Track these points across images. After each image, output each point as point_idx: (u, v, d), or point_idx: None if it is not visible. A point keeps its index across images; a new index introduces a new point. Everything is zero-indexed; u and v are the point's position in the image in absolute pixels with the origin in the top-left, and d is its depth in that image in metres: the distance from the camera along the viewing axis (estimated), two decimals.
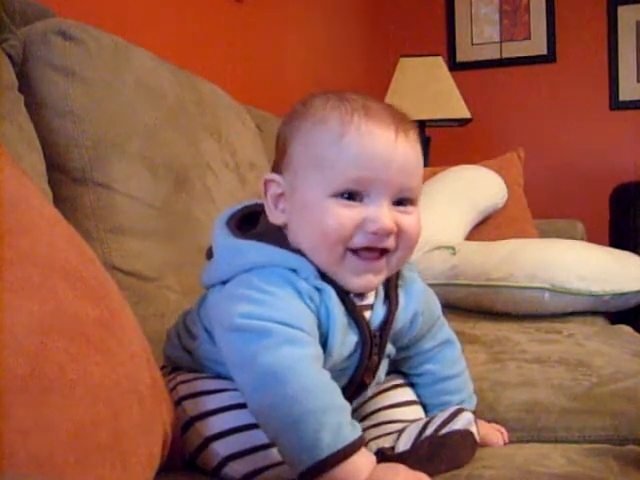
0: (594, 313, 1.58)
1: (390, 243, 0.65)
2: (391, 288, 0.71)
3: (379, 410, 0.75)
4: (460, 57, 3.33)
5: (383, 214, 0.64)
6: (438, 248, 1.70)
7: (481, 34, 3.32)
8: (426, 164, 2.65)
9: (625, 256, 1.62)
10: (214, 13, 1.84)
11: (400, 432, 0.68)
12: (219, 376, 0.70)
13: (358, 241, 0.64)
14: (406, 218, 0.66)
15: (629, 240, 2.47)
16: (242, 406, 0.65)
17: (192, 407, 0.67)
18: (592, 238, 2.11)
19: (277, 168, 0.70)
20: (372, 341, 0.68)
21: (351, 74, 2.80)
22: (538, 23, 3.23)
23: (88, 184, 0.92)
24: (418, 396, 0.78)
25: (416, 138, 0.67)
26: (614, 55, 3.16)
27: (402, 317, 0.71)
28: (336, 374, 0.65)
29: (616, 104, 3.17)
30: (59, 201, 0.88)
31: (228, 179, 1.24)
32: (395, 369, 0.79)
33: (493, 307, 1.54)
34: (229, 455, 0.64)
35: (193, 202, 1.09)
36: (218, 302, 0.67)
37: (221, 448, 0.64)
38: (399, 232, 0.65)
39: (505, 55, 3.28)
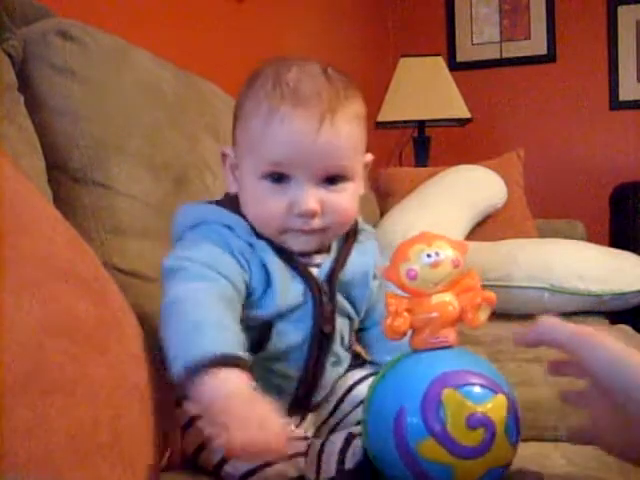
0: (594, 313, 1.58)
1: (317, 224, 0.69)
2: (341, 249, 0.75)
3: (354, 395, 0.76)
4: (460, 57, 3.33)
5: (305, 197, 0.68)
6: None
7: (481, 34, 3.32)
8: (426, 164, 2.65)
9: (625, 256, 1.62)
10: (214, 13, 1.84)
11: None
12: None
13: (288, 224, 0.69)
14: (333, 196, 0.69)
15: (629, 240, 2.47)
16: None
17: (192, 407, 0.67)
18: (592, 238, 2.11)
19: (233, 140, 0.75)
20: (320, 290, 0.71)
21: (351, 74, 2.80)
22: (538, 23, 3.23)
23: (88, 184, 0.92)
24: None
25: (349, 117, 0.69)
26: (614, 55, 3.16)
27: (351, 269, 0.74)
28: (295, 325, 0.70)
29: (616, 104, 3.17)
30: (59, 201, 0.88)
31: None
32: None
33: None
34: None
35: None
36: None
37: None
38: (326, 209, 0.69)
39: (505, 55, 3.28)
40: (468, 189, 2.05)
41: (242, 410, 0.52)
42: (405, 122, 2.69)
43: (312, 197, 0.68)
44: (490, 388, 0.57)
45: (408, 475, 0.56)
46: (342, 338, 0.75)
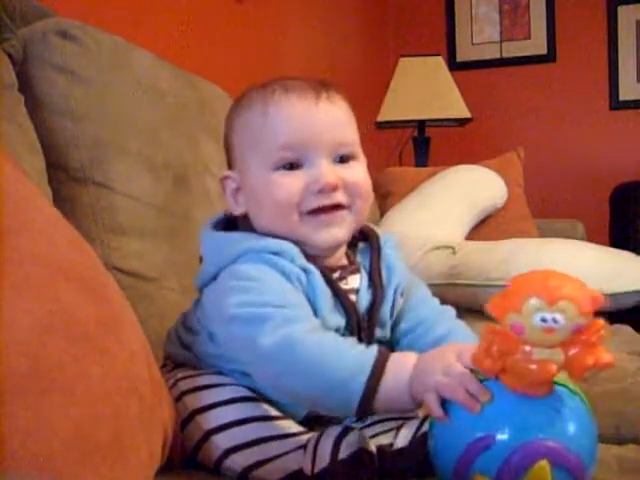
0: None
1: (340, 198, 0.68)
2: (374, 271, 0.73)
3: None
4: (460, 57, 3.32)
5: (324, 171, 0.67)
6: (438, 248, 1.70)
7: (481, 34, 3.31)
8: (426, 164, 2.65)
9: (625, 256, 1.62)
10: (214, 13, 1.84)
11: (398, 428, 0.68)
12: (219, 372, 0.70)
13: (309, 204, 0.67)
14: (349, 171, 0.69)
15: (629, 240, 2.47)
16: (242, 400, 0.66)
17: (193, 401, 0.68)
18: (592, 238, 2.11)
19: (229, 165, 0.74)
20: (359, 325, 0.70)
21: (351, 74, 2.80)
22: (538, 23, 3.23)
23: (88, 184, 0.92)
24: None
25: (342, 101, 0.71)
26: (614, 55, 3.16)
27: (387, 302, 0.73)
28: None
29: (616, 104, 3.16)
30: (59, 201, 0.88)
31: None
32: None
33: None
34: (230, 448, 0.64)
35: (192, 202, 1.09)
36: (212, 298, 0.69)
37: (222, 441, 0.65)
38: (346, 185, 0.68)
39: (505, 55, 3.28)
40: (468, 189, 2.05)
41: (429, 367, 0.57)
42: (405, 122, 2.69)
43: (330, 171, 0.67)
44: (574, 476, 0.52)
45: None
46: None
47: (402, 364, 0.59)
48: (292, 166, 0.67)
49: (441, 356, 0.57)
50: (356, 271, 0.73)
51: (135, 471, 0.49)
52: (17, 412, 0.41)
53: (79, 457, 0.43)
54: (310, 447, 0.63)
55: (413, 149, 2.74)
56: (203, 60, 1.66)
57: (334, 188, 0.67)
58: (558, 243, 1.69)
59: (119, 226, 0.94)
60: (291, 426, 0.67)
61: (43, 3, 1.01)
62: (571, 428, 0.53)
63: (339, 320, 0.69)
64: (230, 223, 0.75)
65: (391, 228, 1.82)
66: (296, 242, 0.68)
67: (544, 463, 0.51)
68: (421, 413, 0.68)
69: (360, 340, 0.69)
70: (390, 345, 0.76)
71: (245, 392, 0.67)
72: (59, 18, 0.99)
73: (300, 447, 0.64)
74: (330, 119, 0.68)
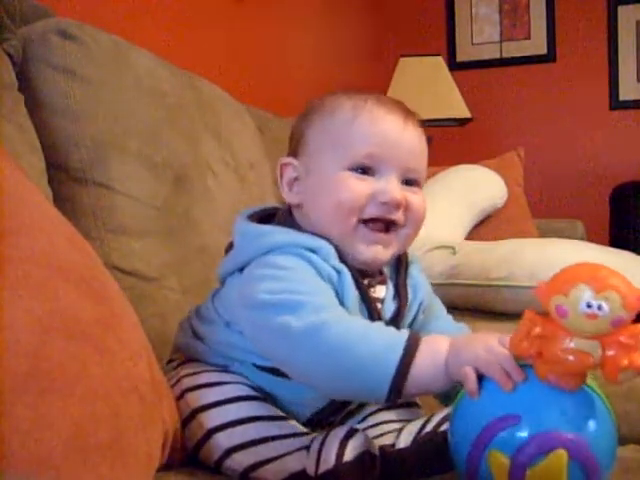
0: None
1: (399, 216, 0.70)
2: (400, 285, 0.74)
3: (378, 410, 0.75)
4: (460, 57, 3.33)
5: (393, 187, 0.69)
6: (438, 248, 1.70)
7: (481, 34, 3.31)
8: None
9: (625, 256, 1.62)
10: (214, 13, 1.84)
11: (400, 430, 0.68)
12: (223, 370, 0.70)
13: (370, 211, 0.69)
14: (413, 196, 0.71)
15: (629, 240, 2.47)
16: (245, 399, 0.66)
17: (195, 399, 0.68)
18: (592, 238, 2.11)
19: (292, 154, 0.75)
20: None
21: (351, 74, 2.80)
22: (538, 23, 3.23)
23: (88, 184, 0.92)
24: None
25: (422, 130, 0.74)
26: (614, 55, 3.16)
27: (410, 314, 0.75)
28: None
29: (616, 104, 3.16)
30: (59, 201, 0.88)
31: (228, 179, 1.24)
32: None
33: (493, 307, 1.54)
34: (232, 447, 0.64)
35: (193, 202, 1.09)
36: (237, 286, 0.69)
37: (224, 439, 0.65)
38: (407, 207, 0.70)
39: (505, 55, 3.28)
40: (468, 189, 2.05)
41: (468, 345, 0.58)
42: None
43: (399, 189, 0.69)
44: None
45: (462, 460, 0.56)
46: None
47: (436, 343, 0.60)
48: (364, 171, 0.69)
49: (483, 338, 0.59)
50: (384, 282, 0.74)
51: (135, 471, 0.49)
52: (17, 412, 0.41)
53: (79, 457, 0.43)
54: (314, 448, 0.62)
55: None
56: (203, 60, 1.66)
57: (398, 205, 0.69)
58: (558, 243, 1.69)
59: (119, 226, 0.94)
60: (294, 426, 0.67)
61: (43, 3, 1.01)
62: (594, 427, 0.54)
63: None
64: (264, 217, 0.76)
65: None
66: (340, 246, 0.69)
67: (562, 453, 0.51)
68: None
69: None
70: None
71: (248, 391, 0.67)
72: (59, 18, 0.99)
73: (303, 448, 0.64)
74: (411, 144, 0.71)
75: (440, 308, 0.82)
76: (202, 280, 1.03)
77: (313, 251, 0.67)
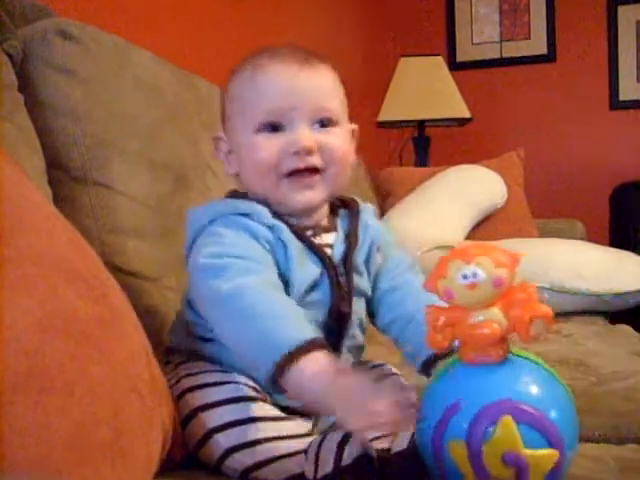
0: (594, 313, 1.58)
1: (315, 160, 0.71)
2: (352, 230, 0.77)
3: None
4: (460, 57, 3.33)
5: (300, 135, 0.71)
6: (438, 248, 1.70)
7: (481, 34, 3.32)
8: (426, 164, 2.65)
9: (625, 256, 1.62)
10: (214, 13, 1.84)
11: (395, 433, 0.68)
12: (223, 370, 0.70)
13: (286, 165, 0.71)
14: (327, 136, 0.72)
15: (629, 240, 2.47)
16: (246, 399, 0.66)
17: (195, 399, 0.68)
18: (592, 238, 2.11)
19: (224, 126, 0.78)
20: (336, 271, 0.73)
21: (351, 74, 2.80)
22: (538, 23, 3.23)
23: (88, 184, 0.92)
24: (403, 346, 0.77)
25: (327, 69, 0.76)
26: (614, 55, 3.16)
27: (362, 249, 0.77)
28: (313, 306, 0.71)
29: (616, 104, 3.17)
30: (59, 201, 0.88)
31: (228, 178, 1.24)
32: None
33: None
34: (232, 447, 0.64)
35: (193, 202, 1.09)
36: (189, 260, 0.72)
37: (224, 440, 0.65)
38: (322, 149, 0.72)
39: (505, 55, 3.28)
40: (468, 189, 2.05)
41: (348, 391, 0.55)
42: (405, 122, 2.69)
43: (306, 135, 0.71)
44: (551, 442, 0.53)
45: (431, 462, 0.57)
46: (360, 320, 0.77)
47: (321, 365, 0.58)
48: (274, 130, 0.71)
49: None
50: (330, 230, 0.76)
51: (134, 470, 0.49)
52: (16, 411, 0.41)
53: (78, 456, 0.43)
54: (312, 452, 0.62)
55: (413, 149, 2.74)
56: (202, 59, 1.66)
57: (309, 151, 0.71)
58: (558, 243, 1.69)
59: (119, 226, 0.94)
60: (294, 427, 0.67)
61: (43, 3, 1.01)
62: (533, 390, 0.55)
63: (314, 269, 0.72)
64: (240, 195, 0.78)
65: (391, 228, 1.82)
66: (274, 204, 0.72)
67: (507, 418, 0.52)
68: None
69: (339, 285, 0.73)
70: (375, 304, 0.79)
71: (249, 391, 0.67)
72: (59, 18, 0.99)
73: (303, 450, 0.64)
74: (311, 86, 0.72)
75: (399, 254, 0.83)
76: None
77: (247, 215, 0.71)
